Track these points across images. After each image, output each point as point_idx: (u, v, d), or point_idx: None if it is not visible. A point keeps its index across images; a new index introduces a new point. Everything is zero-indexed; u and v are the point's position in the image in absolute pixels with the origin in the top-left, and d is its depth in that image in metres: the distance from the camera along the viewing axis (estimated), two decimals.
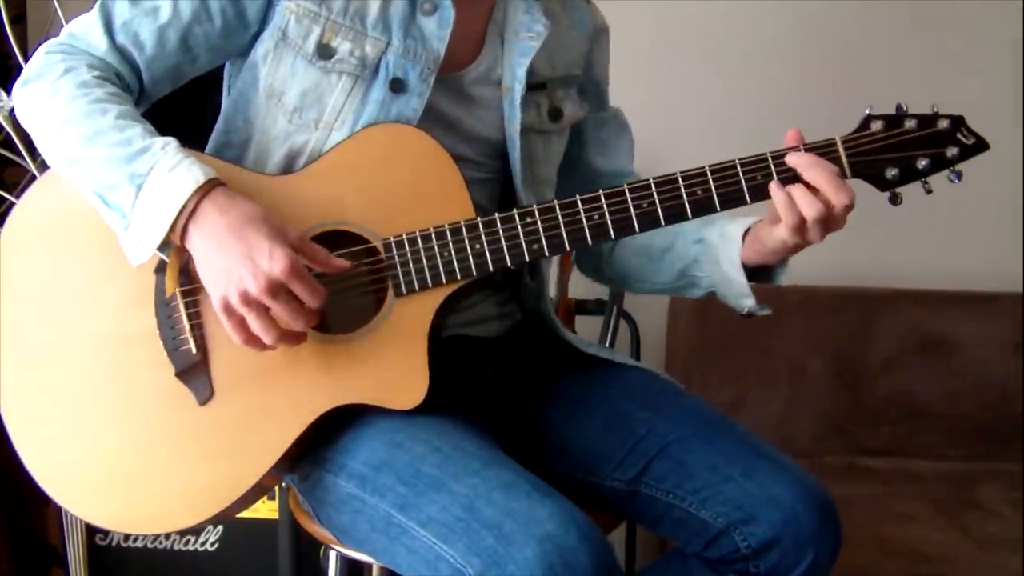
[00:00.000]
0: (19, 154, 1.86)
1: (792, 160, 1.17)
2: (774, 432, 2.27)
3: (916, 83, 2.31)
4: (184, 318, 1.20)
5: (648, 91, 2.16)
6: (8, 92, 1.71)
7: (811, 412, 2.30)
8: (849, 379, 2.31)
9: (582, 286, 1.85)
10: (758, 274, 1.29)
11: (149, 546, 2.05)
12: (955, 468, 2.22)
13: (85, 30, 1.22)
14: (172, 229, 1.11)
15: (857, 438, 2.30)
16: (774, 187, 1.17)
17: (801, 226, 1.17)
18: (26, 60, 1.58)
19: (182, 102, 1.35)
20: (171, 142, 1.15)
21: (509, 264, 1.19)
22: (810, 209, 1.15)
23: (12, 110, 1.71)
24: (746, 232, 1.27)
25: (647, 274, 1.41)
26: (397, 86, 1.23)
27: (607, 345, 1.88)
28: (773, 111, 2.32)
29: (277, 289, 1.09)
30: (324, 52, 1.23)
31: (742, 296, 1.29)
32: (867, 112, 1.18)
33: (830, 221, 1.17)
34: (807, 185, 1.16)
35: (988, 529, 1.98)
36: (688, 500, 1.24)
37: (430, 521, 1.09)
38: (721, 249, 1.28)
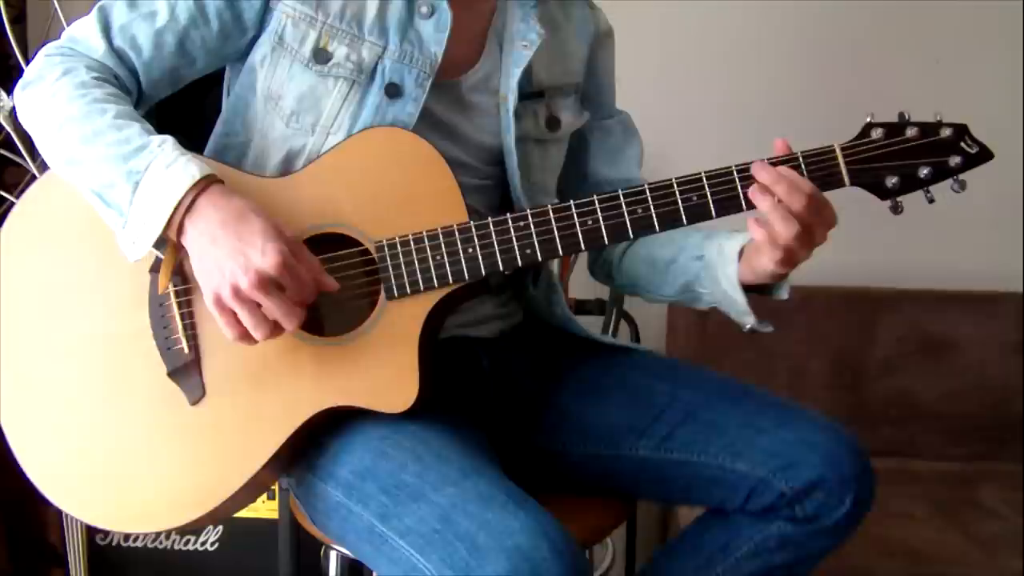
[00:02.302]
0: (19, 154, 1.86)
1: (756, 173, 1.16)
2: None
3: (918, 83, 2.32)
4: (177, 318, 1.20)
5: (652, 95, 2.16)
6: (8, 92, 1.72)
7: None
8: (849, 379, 2.31)
9: (582, 286, 1.85)
10: (761, 290, 1.28)
11: (149, 546, 2.06)
12: (955, 468, 2.22)
13: (84, 33, 1.22)
14: (168, 225, 1.12)
15: (857, 438, 2.30)
16: (752, 224, 1.16)
17: (789, 255, 1.16)
18: (26, 60, 1.58)
19: (182, 102, 1.34)
20: (168, 140, 1.15)
21: (502, 268, 1.18)
22: (787, 233, 1.14)
23: (12, 110, 1.72)
24: (744, 248, 1.26)
25: (653, 285, 1.41)
26: (393, 91, 1.23)
27: None
28: (778, 115, 2.32)
29: (268, 284, 1.09)
30: (320, 56, 1.23)
31: (743, 314, 1.28)
32: (868, 119, 1.17)
33: (812, 237, 1.16)
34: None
35: (988, 529, 1.98)
36: (721, 456, 1.25)
37: (408, 532, 1.09)
38: (719, 267, 1.28)
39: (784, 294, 1.27)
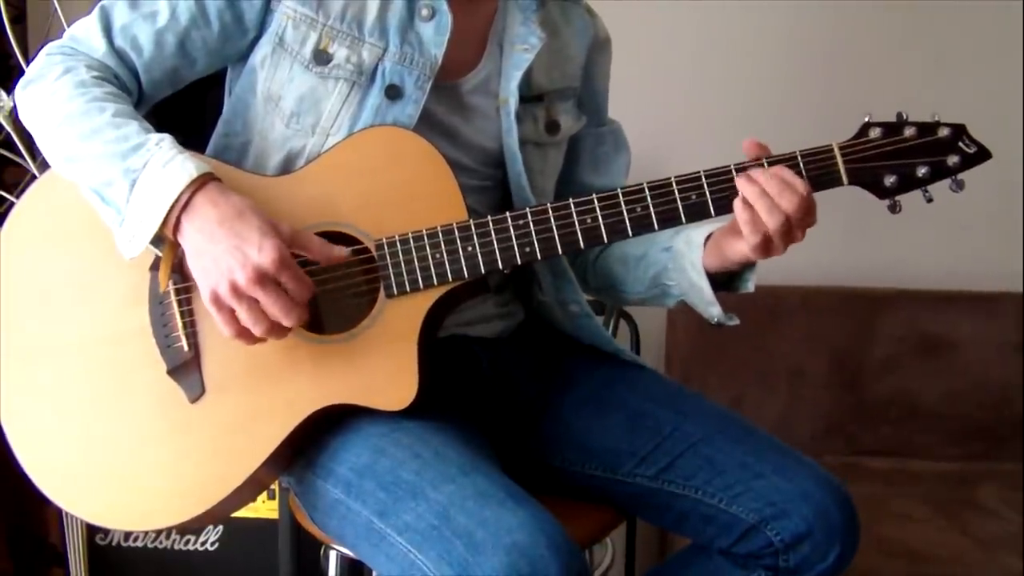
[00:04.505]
0: (19, 154, 1.86)
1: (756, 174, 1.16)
2: (773, 432, 2.26)
3: (918, 83, 2.32)
4: (177, 316, 1.20)
5: (648, 95, 2.16)
6: (8, 92, 1.72)
7: (811, 412, 2.30)
8: (849, 379, 2.31)
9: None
10: (729, 283, 1.28)
11: (149, 546, 2.05)
12: (955, 468, 2.22)
13: (85, 33, 1.23)
14: (165, 222, 1.12)
15: (857, 438, 2.30)
16: (738, 205, 1.16)
17: (766, 244, 1.16)
18: (26, 60, 1.59)
19: (181, 102, 1.35)
20: (166, 138, 1.15)
21: (501, 267, 1.18)
22: (772, 223, 1.14)
23: (12, 109, 1.72)
24: (709, 237, 1.26)
25: (627, 284, 1.41)
26: (393, 92, 1.23)
27: None
28: (776, 115, 2.32)
29: (265, 281, 1.09)
30: (321, 58, 1.23)
31: (708, 304, 1.28)
32: (866, 119, 1.18)
33: (791, 233, 1.16)
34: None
35: (988, 529, 1.98)
36: (719, 496, 1.25)
37: (406, 528, 1.09)
38: (686, 256, 1.28)
39: (750, 287, 1.27)
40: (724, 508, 1.25)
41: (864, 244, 2.25)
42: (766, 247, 1.17)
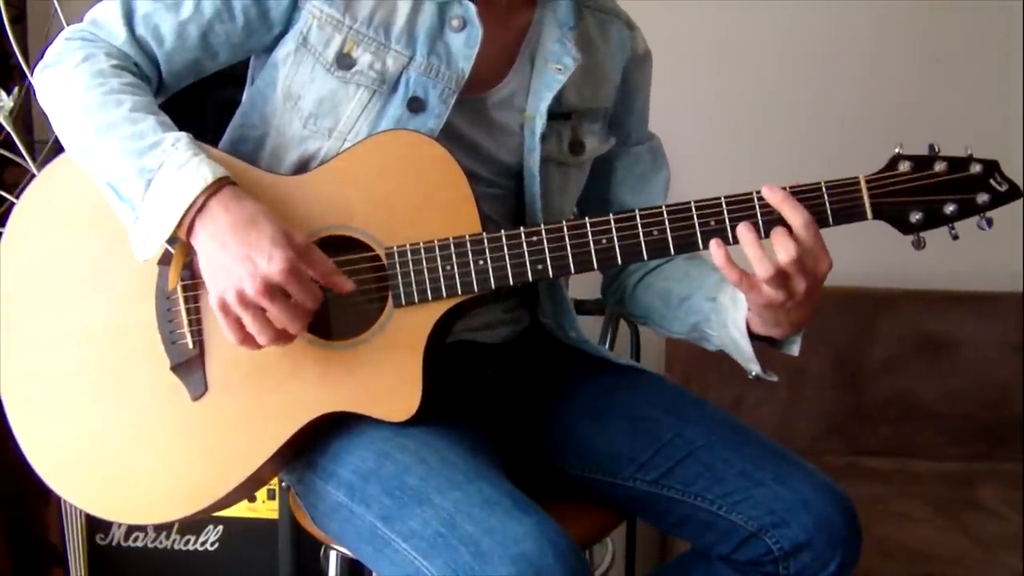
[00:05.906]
0: (19, 154, 1.86)
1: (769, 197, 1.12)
2: (773, 432, 2.24)
3: (918, 84, 2.31)
4: (183, 313, 1.20)
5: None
6: (8, 92, 1.72)
7: (811, 412, 2.30)
8: (849, 379, 2.31)
9: (582, 286, 1.85)
10: (773, 341, 1.25)
11: (149, 546, 2.05)
12: (955, 468, 2.22)
13: (106, 18, 1.21)
14: (179, 226, 1.11)
15: (857, 438, 2.30)
16: (742, 229, 1.12)
17: (781, 277, 1.11)
18: (26, 60, 1.58)
19: (182, 100, 1.34)
20: (183, 137, 1.14)
21: (511, 283, 1.16)
22: (785, 254, 1.10)
23: (12, 110, 1.72)
24: None
25: (665, 320, 1.40)
26: (416, 105, 1.22)
27: (607, 346, 1.88)
28: (776, 116, 2.32)
29: (274, 291, 1.08)
30: (343, 62, 1.21)
31: (748, 361, 1.26)
32: (896, 151, 1.13)
33: (789, 283, 1.12)
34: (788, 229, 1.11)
35: (988, 529, 1.98)
36: (718, 503, 1.25)
37: (412, 535, 1.09)
38: (730, 312, 1.25)
39: (795, 350, 1.24)
40: (723, 515, 1.25)
41: (865, 244, 2.24)
42: (760, 295, 1.12)
